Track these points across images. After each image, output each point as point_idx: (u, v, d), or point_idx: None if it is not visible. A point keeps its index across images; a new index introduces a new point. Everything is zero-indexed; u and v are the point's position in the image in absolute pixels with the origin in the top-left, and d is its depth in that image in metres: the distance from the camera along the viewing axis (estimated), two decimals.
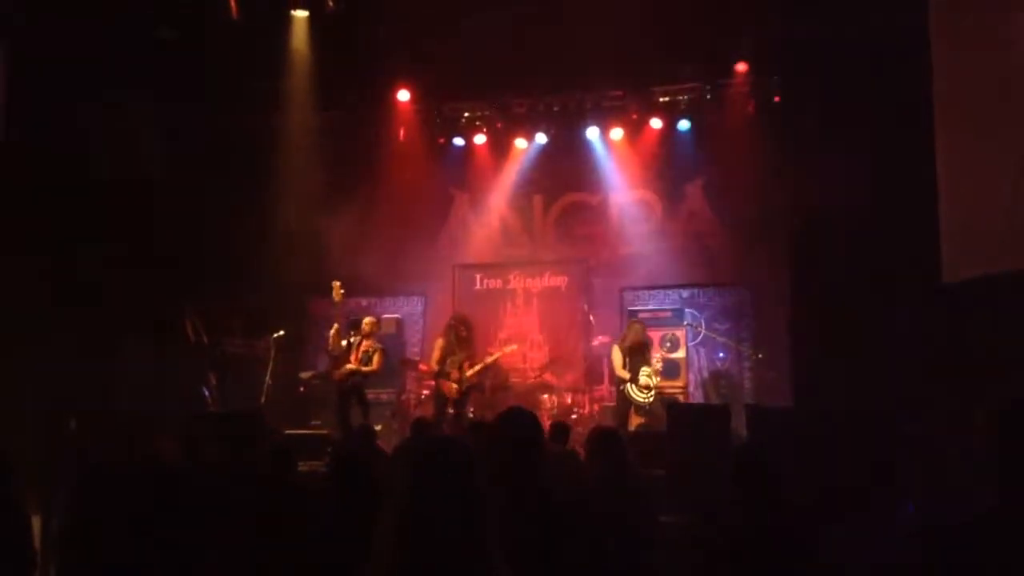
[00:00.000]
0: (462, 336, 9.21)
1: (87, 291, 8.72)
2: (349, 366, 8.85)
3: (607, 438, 4.69)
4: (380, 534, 2.02)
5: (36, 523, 4.68)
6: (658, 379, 9.31)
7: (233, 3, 9.78)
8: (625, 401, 9.26)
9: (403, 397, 10.55)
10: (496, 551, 2.02)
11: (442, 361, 9.14)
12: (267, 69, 10.46)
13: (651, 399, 9.18)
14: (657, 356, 9.56)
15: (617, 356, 9.35)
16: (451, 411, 9.10)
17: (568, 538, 2.78)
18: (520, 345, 11.16)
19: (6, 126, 8.59)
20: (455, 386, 9.09)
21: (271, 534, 3.80)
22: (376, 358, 8.92)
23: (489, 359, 9.57)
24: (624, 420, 9.13)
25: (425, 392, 10.31)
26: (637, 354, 9.32)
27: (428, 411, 9.51)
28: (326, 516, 3.86)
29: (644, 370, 9.25)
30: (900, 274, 7.91)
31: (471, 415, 9.21)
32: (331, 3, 10.17)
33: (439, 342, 9.36)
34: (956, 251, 7.29)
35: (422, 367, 10.20)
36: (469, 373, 9.17)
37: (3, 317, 8.25)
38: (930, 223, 7.47)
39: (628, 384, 9.22)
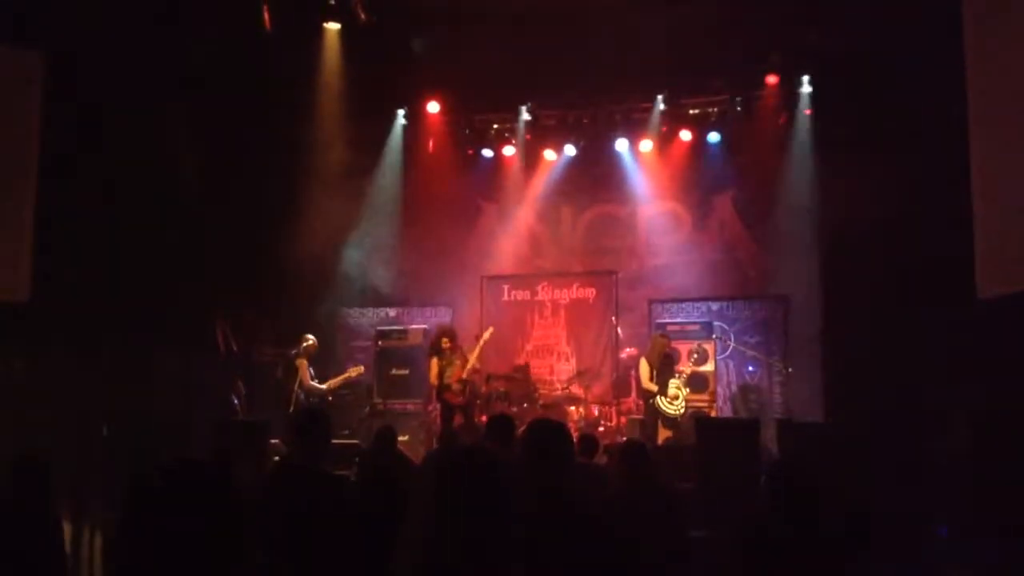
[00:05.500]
0: (446, 347, 9.27)
1: (119, 299, 8.81)
2: None
3: (636, 451, 4.66)
4: (405, 540, 2.02)
5: (67, 530, 4.71)
6: (687, 390, 9.28)
7: (266, 15, 9.89)
8: (654, 414, 9.22)
9: (429, 408, 10.56)
10: (519, 559, 2.01)
11: (440, 376, 9.20)
12: (299, 81, 10.56)
13: (681, 410, 9.14)
14: (684, 371, 9.50)
15: (645, 369, 9.31)
16: (460, 420, 9.10)
17: (596, 552, 2.76)
18: (548, 357, 11.14)
19: (43, 136, 8.71)
20: (459, 394, 9.13)
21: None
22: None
23: (473, 354, 9.50)
24: (653, 433, 9.07)
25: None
26: (665, 367, 9.29)
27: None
28: (354, 520, 3.85)
29: (672, 382, 9.23)
30: (933, 289, 7.80)
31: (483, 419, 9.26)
32: (363, 16, 10.26)
33: (432, 361, 9.38)
34: (991, 267, 7.16)
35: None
36: (465, 374, 9.21)
37: (36, 324, 8.36)
38: (965, 238, 7.36)
39: (657, 396, 9.19)
